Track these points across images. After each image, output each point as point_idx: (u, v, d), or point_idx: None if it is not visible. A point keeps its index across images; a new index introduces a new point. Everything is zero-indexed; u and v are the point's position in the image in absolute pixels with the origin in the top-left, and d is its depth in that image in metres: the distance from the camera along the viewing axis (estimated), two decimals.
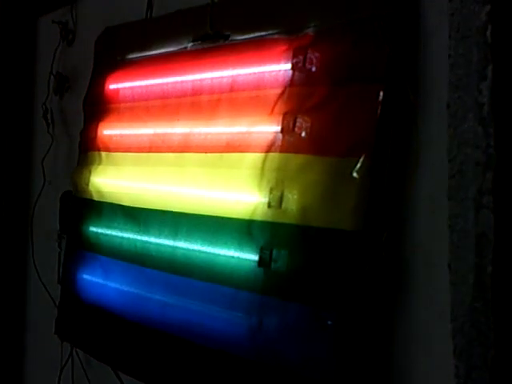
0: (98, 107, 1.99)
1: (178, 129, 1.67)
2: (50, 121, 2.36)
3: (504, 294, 1.06)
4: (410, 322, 1.24)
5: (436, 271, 1.19)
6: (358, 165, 1.25)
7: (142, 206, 1.75)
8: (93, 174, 1.96)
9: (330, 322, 1.26)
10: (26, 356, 2.61)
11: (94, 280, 1.93)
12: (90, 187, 1.97)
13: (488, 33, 1.09)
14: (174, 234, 1.63)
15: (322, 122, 1.34)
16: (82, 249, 2.00)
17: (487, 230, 1.07)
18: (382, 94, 1.24)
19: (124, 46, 1.95)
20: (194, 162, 1.60)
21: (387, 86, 1.25)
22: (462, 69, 1.13)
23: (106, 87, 1.97)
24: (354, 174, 1.25)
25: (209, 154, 1.56)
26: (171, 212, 1.65)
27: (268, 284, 1.38)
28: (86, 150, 2.04)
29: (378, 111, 1.24)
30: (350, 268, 1.25)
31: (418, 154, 1.24)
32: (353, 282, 1.25)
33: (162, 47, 1.80)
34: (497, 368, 1.06)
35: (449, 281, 1.13)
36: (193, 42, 1.69)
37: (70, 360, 2.16)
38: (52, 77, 2.33)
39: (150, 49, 1.85)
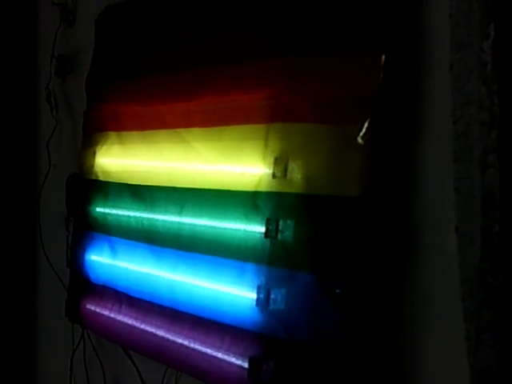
0: (102, 87, 1.98)
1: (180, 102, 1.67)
2: (53, 104, 2.36)
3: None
4: (419, 287, 1.23)
5: (444, 235, 1.17)
6: (363, 131, 1.23)
7: (148, 184, 1.74)
8: (98, 155, 1.96)
9: (338, 291, 1.25)
10: (38, 339, 2.61)
11: (103, 260, 1.93)
12: (96, 168, 1.97)
13: None
14: (180, 210, 1.62)
15: (324, 90, 1.33)
16: (89, 230, 2.00)
17: (493, 189, 1.05)
18: (383, 58, 1.22)
19: (126, 25, 1.94)
20: (198, 137, 1.59)
21: (389, 51, 1.23)
22: (464, 28, 1.12)
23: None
24: (359, 140, 1.24)
25: (212, 128, 1.55)
26: (176, 188, 1.64)
27: (275, 255, 1.37)
28: (90, 131, 2.04)
29: (381, 76, 1.23)
30: (357, 235, 1.24)
31: (422, 118, 1.23)
32: (360, 249, 1.24)
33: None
34: (506, 329, 1.05)
35: (456, 244, 1.12)
36: None
37: (81, 342, 2.17)
38: (54, 59, 2.32)
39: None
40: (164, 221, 1.67)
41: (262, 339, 1.39)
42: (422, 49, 1.23)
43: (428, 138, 1.22)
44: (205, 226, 1.54)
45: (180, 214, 1.62)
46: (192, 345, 1.57)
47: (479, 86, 1.09)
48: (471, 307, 1.10)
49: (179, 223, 1.62)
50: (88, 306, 1.98)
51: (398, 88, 1.24)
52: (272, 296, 1.36)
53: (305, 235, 1.33)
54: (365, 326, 1.25)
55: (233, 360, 1.44)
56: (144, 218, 1.75)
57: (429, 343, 1.22)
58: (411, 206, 1.24)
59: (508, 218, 1.04)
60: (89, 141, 2.02)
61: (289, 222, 1.35)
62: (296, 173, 1.34)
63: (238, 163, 1.48)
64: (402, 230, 1.25)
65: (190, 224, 1.59)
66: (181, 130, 1.64)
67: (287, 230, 1.35)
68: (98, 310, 1.94)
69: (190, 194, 1.60)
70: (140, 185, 1.77)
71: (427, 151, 1.22)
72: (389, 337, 1.27)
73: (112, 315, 1.87)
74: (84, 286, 2.02)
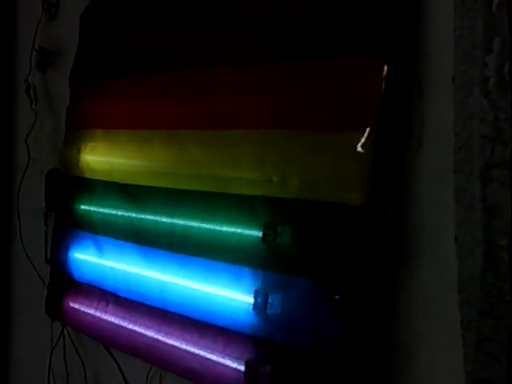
0: (87, 83, 1.96)
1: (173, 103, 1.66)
2: (33, 97, 2.31)
3: None
4: (417, 295, 1.25)
5: (443, 244, 1.19)
6: (363, 139, 1.25)
7: (138, 183, 1.73)
8: (83, 152, 1.93)
9: (337, 297, 1.26)
10: (13, 337, 2.57)
11: (88, 259, 1.91)
12: (81, 165, 1.94)
13: (494, 5, 1.10)
14: (172, 211, 1.61)
15: (324, 97, 1.33)
16: (73, 227, 1.97)
17: (498, 203, 1.08)
18: (386, 68, 1.23)
19: (115, 20, 1.91)
20: (192, 139, 1.58)
21: (391, 60, 1.24)
22: (468, 42, 1.13)
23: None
24: (359, 149, 1.25)
25: (207, 131, 1.55)
26: (168, 189, 1.63)
27: (272, 259, 1.38)
28: (73, 127, 2.01)
29: (383, 85, 1.24)
30: (357, 242, 1.25)
31: (423, 128, 1.24)
32: (359, 256, 1.25)
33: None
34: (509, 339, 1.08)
35: (456, 253, 1.14)
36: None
37: (61, 339, 2.14)
38: (34, 51, 2.27)
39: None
40: (155, 221, 1.66)
41: (259, 343, 1.40)
42: (425, 60, 1.24)
43: (429, 149, 1.24)
44: (199, 227, 1.54)
45: (172, 215, 1.61)
46: (184, 346, 1.56)
47: (481, 99, 1.11)
48: (470, 315, 1.13)
49: (171, 224, 1.61)
50: (71, 304, 1.96)
51: (400, 98, 1.26)
52: (270, 300, 1.36)
53: (303, 241, 1.33)
54: (364, 333, 1.27)
55: (228, 363, 1.44)
56: (133, 218, 1.73)
57: (426, 350, 1.24)
58: (411, 216, 1.26)
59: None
60: (72, 137, 1.99)
61: (286, 227, 1.36)
62: (295, 179, 1.35)
63: (233, 168, 1.48)
64: (402, 238, 1.27)
65: (183, 226, 1.58)
66: (174, 132, 1.63)
67: (284, 234, 1.36)
68: (82, 308, 1.91)
69: (182, 196, 1.59)
70: (129, 184, 1.75)
71: (428, 162, 1.24)
72: (387, 343, 1.29)
73: (97, 314, 1.85)
74: (66, 284, 1.99)
